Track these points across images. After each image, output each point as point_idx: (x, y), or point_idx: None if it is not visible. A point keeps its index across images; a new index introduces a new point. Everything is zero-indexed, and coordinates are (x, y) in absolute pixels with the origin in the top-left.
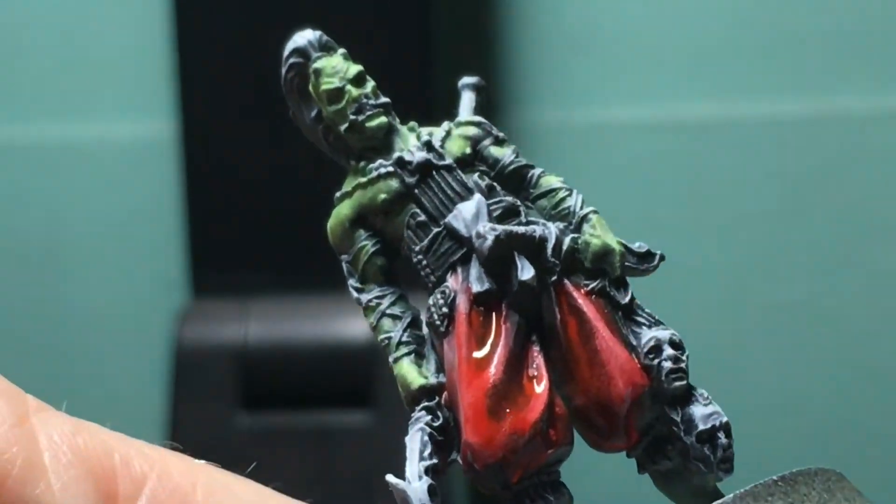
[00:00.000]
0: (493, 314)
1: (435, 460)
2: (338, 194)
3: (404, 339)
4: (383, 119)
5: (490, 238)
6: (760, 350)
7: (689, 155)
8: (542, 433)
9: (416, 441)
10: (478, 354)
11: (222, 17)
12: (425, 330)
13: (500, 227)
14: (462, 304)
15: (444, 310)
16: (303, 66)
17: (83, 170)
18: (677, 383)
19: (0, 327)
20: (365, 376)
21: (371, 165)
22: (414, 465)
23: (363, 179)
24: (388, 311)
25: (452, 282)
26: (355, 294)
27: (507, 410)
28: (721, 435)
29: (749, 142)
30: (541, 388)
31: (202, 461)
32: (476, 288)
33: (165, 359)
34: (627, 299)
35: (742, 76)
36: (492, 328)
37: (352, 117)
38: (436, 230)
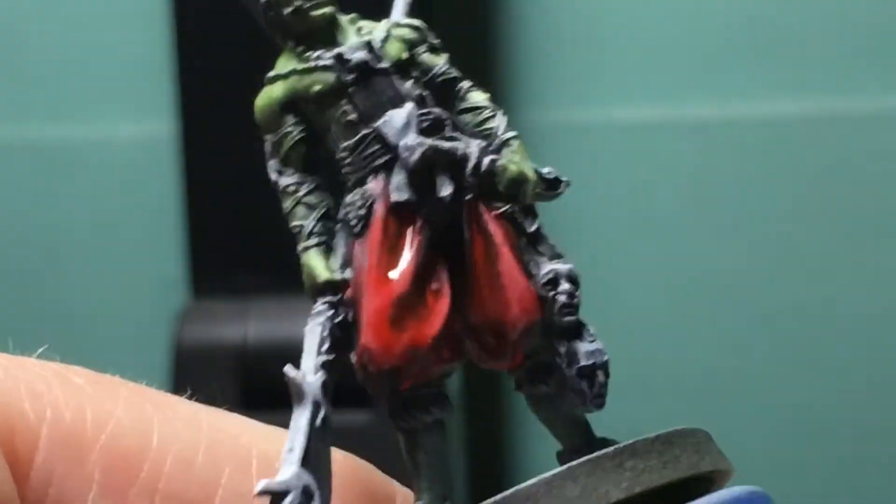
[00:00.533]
0: (408, 225)
1: (332, 356)
2: (270, 74)
3: (316, 229)
4: (328, 10)
5: (417, 152)
6: (760, 350)
7: (689, 155)
8: (438, 348)
9: (315, 334)
10: (387, 262)
11: (222, 18)
12: (338, 225)
13: (428, 142)
14: (380, 209)
15: (361, 211)
16: None
17: (83, 170)
18: (568, 318)
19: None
20: None
21: (310, 54)
22: (311, 359)
23: (299, 66)
24: (303, 199)
25: (374, 185)
26: (274, 176)
27: (409, 321)
28: (599, 373)
29: (749, 142)
30: (441, 303)
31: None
32: (395, 196)
33: (165, 359)
34: (534, 228)
35: (742, 76)
36: (405, 239)
37: (297, 2)
38: (364, 132)
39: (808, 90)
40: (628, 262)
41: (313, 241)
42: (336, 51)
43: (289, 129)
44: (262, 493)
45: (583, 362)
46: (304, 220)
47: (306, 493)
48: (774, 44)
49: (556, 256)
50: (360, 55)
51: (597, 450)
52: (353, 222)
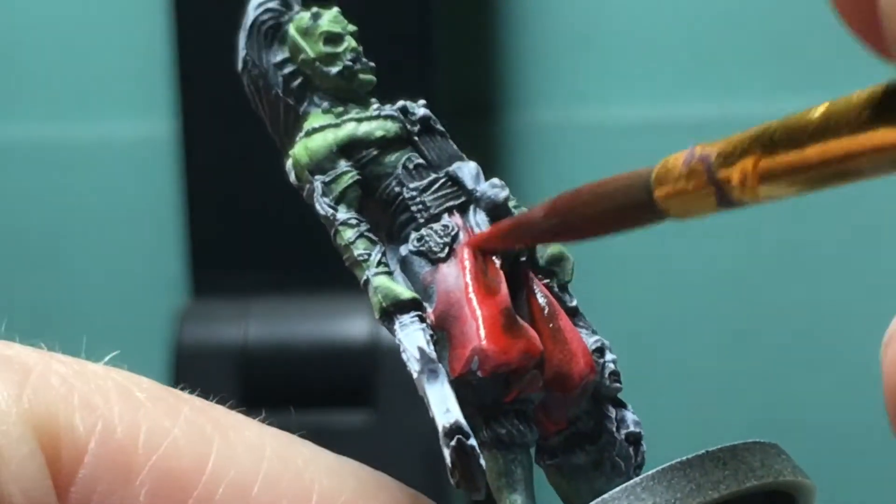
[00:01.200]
0: (489, 257)
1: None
2: (310, 127)
3: (382, 259)
4: (373, 77)
5: (504, 193)
6: (760, 350)
7: None
8: (543, 366)
9: (418, 336)
10: (483, 282)
11: (222, 17)
12: (403, 255)
13: (506, 190)
14: (465, 239)
15: (446, 239)
16: (281, 13)
17: (83, 170)
18: (616, 384)
19: None
20: (365, 376)
21: (372, 107)
22: (424, 344)
23: (360, 115)
24: (365, 233)
25: (454, 220)
26: (328, 210)
27: (517, 331)
28: (643, 443)
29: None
30: (531, 329)
31: (166, 390)
32: (483, 230)
33: (165, 359)
34: (574, 303)
35: (742, 76)
36: (492, 266)
37: (348, 63)
38: (434, 175)
39: (808, 90)
40: (628, 262)
41: (382, 268)
42: (400, 103)
43: (346, 169)
44: (442, 431)
45: (632, 428)
46: (370, 251)
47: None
48: (774, 44)
49: (593, 332)
50: (424, 110)
51: None
52: (437, 249)
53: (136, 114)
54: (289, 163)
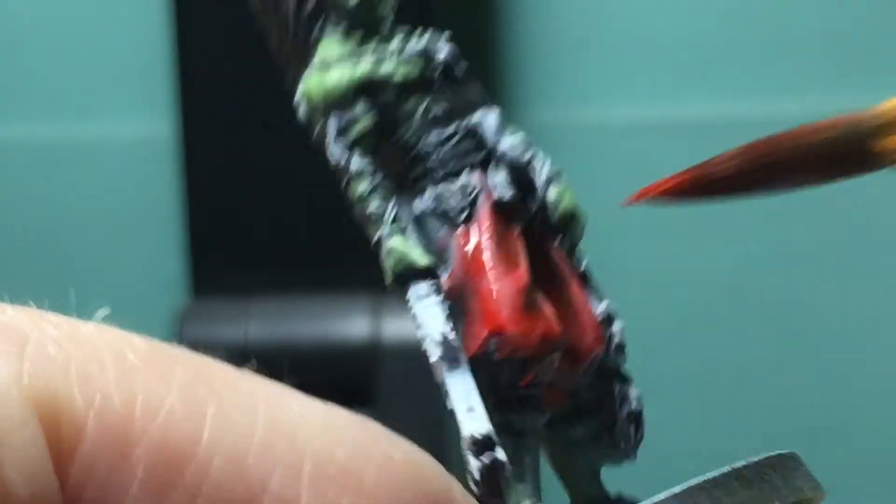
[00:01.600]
0: (509, 222)
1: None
2: (331, 56)
3: (396, 216)
4: (392, 3)
5: (530, 151)
6: (760, 350)
7: (689, 155)
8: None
9: (436, 312)
10: (504, 253)
11: (222, 17)
12: (417, 213)
13: (531, 149)
14: (486, 202)
15: (464, 202)
16: None
17: (83, 170)
18: (621, 357)
19: None
20: (365, 376)
21: (392, 43)
22: (442, 326)
23: (380, 52)
24: (380, 185)
25: (474, 179)
26: (343, 156)
27: (536, 312)
28: (643, 421)
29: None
30: (548, 306)
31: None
32: (501, 193)
33: None
34: (583, 267)
35: (742, 76)
36: (512, 235)
37: None
38: (454, 127)
39: (808, 90)
40: (628, 262)
41: (397, 227)
42: (422, 43)
43: (362, 113)
44: (470, 440)
45: (634, 406)
46: (385, 207)
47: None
48: (774, 44)
49: (601, 297)
50: (446, 53)
51: None
52: (455, 212)
53: (136, 114)
54: (299, 94)
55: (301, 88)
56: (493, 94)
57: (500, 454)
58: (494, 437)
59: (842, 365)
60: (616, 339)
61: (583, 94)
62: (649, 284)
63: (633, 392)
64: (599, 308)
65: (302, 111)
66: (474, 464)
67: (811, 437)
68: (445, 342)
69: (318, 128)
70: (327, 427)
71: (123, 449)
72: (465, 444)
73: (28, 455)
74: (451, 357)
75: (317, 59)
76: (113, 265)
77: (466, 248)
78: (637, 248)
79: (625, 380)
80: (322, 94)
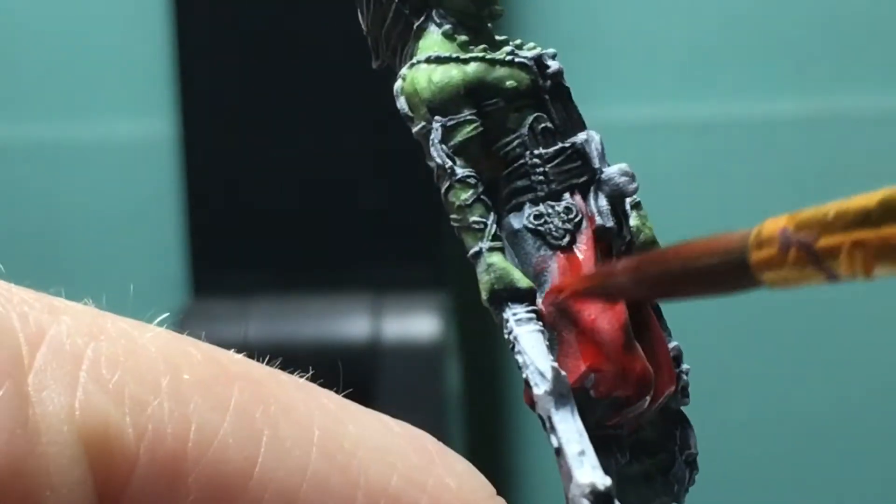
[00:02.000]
0: (607, 252)
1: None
2: (433, 55)
3: (497, 232)
4: (503, 9)
5: (636, 183)
6: (759, 350)
7: (689, 155)
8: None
9: (538, 340)
10: None
11: (222, 17)
12: (518, 230)
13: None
14: (587, 229)
15: (568, 225)
16: None
17: (83, 170)
18: (685, 399)
19: None
20: (365, 376)
21: (504, 48)
22: (546, 362)
23: (490, 55)
24: (482, 196)
25: (577, 202)
26: (446, 161)
27: (636, 352)
28: (697, 464)
29: (749, 142)
30: (641, 353)
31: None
32: (603, 221)
33: None
34: (656, 301)
35: (742, 76)
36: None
37: None
38: (562, 144)
39: (808, 90)
40: None
41: (497, 243)
42: (536, 52)
43: (469, 118)
44: (590, 489)
45: (693, 450)
46: (486, 219)
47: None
48: (774, 44)
49: (670, 335)
50: (557, 64)
51: None
52: (558, 234)
53: (136, 114)
54: (401, 86)
55: (404, 80)
56: None
57: None
58: (613, 490)
59: (842, 365)
60: (683, 380)
61: (583, 94)
62: None
63: (693, 436)
64: (670, 346)
65: (402, 103)
66: None
67: (811, 437)
68: (557, 378)
69: (419, 125)
70: (383, 451)
71: (174, 482)
72: (578, 491)
73: (75, 495)
74: (560, 392)
75: (421, 52)
76: (113, 265)
77: (567, 275)
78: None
79: (687, 422)
80: (430, 91)
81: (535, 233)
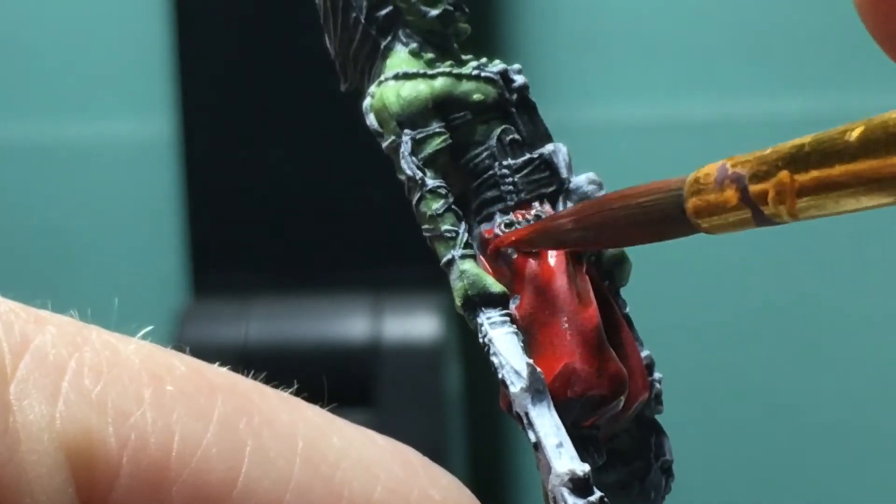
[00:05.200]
0: (577, 259)
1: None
2: (400, 71)
3: (468, 240)
4: (469, 27)
5: (603, 191)
6: (759, 350)
7: (689, 155)
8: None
9: (513, 342)
10: (576, 290)
11: (222, 17)
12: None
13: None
14: None
15: None
16: None
17: (83, 170)
18: (659, 406)
19: None
20: (365, 376)
21: (470, 64)
22: (522, 361)
23: (457, 70)
24: (453, 206)
25: (546, 211)
26: (417, 173)
27: (609, 353)
28: (673, 472)
29: (749, 142)
30: (614, 354)
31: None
32: None
33: None
34: (627, 310)
35: (742, 76)
36: (581, 271)
37: (449, 7)
38: (530, 155)
39: (808, 90)
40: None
41: (469, 250)
42: (501, 66)
43: (438, 131)
44: (568, 477)
45: (668, 457)
46: (458, 228)
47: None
48: (775, 44)
49: (641, 344)
50: (523, 79)
51: None
52: None
53: (136, 114)
54: (370, 103)
55: (373, 97)
56: None
57: (599, 494)
58: (591, 478)
59: (842, 365)
60: (656, 388)
61: (583, 94)
62: (649, 284)
63: (668, 443)
64: (643, 354)
65: (371, 119)
66: (573, 501)
67: (811, 437)
68: (533, 374)
69: (389, 139)
70: (366, 464)
71: (157, 492)
72: (558, 481)
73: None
74: (536, 388)
75: (388, 70)
76: (113, 265)
77: (538, 279)
78: (637, 249)
79: (661, 430)
80: (398, 105)
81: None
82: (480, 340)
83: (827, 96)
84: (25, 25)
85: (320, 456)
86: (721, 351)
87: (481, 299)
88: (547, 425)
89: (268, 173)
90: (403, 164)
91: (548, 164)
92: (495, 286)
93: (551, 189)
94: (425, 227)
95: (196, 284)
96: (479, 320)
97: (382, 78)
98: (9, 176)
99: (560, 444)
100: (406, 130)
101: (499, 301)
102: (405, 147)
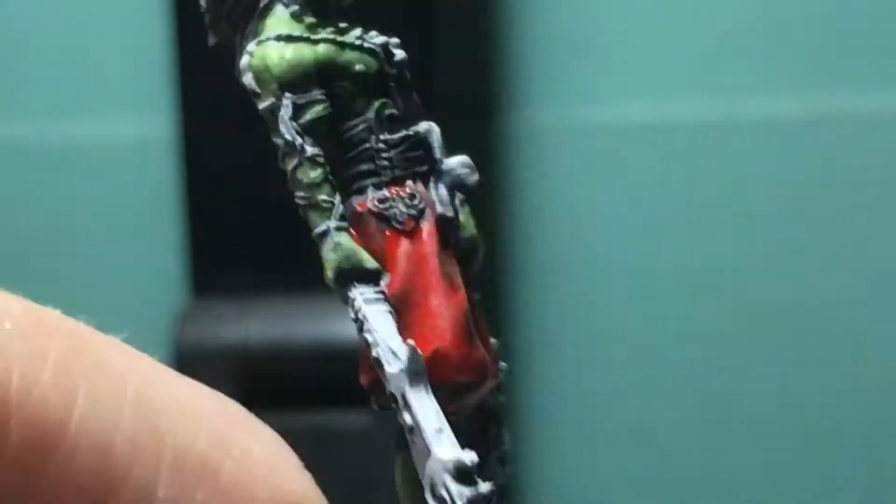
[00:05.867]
0: (445, 241)
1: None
2: (283, 33)
3: (343, 212)
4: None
5: (477, 174)
6: (759, 351)
7: (688, 155)
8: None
9: (388, 320)
10: (446, 273)
11: None
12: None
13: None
14: (431, 217)
15: (412, 211)
16: None
17: (83, 170)
18: (501, 396)
19: None
20: None
21: (352, 32)
22: (397, 341)
23: (339, 38)
24: (329, 176)
25: (419, 190)
26: (297, 139)
27: (475, 339)
28: (509, 459)
29: (749, 142)
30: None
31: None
32: (443, 210)
33: (165, 359)
34: (478, 296)
35: (742, 76)
36: (450, 256)
37: None
38: (406, 132)
39: (808, 90)
40: (628, 262)
41: (344, 223)
42: (382, 39)
43: (319, 98)
44: (454, 465)
45: (505, 446)
46: (333, 199)
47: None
48: (774, 44)
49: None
50: (403, 53)
51: None
52: (402, 219)
53: (136, 114)
54: (249, 62)
55: (252, 56)
56: (494, 94)
57: (489, 485)
58: (474, 465)
59: (842, 365)
60: (500, 378)
61: (582, 95)
62: (649, 284)
63: (507, 433)
64: (492, 342)
65: (249, 79)
66: (458, 490)
67: (811, 437)
68: (413, 355)
69: (267, 101)
70: (192, 415)
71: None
72: (440, 466)
73: None
74: (414, 370)
75: (268, 30)
76: (113, 265)
77: (411, 259)
78: (637, 248)
79: (501, 419)
80: (281, 67)
81: (380, 216)
82: (351, 316)
83: (827, 96)
84: (25, 25)
85: (148, 404)
86: (721, 351)
87: (356, 274)
88: (426, 409)
89: (268, 173)
90: (282, 128)
91: (422, 142)
92: (370, 262)
93: (424, 168)
94: (300, 194)
95: (196, 284)
96: (352, 294)
97: (263, 37)
98: (9, 175)
99: (440, 430)
100: (287, 94)
101: (373, 277)
102: (286, 111)
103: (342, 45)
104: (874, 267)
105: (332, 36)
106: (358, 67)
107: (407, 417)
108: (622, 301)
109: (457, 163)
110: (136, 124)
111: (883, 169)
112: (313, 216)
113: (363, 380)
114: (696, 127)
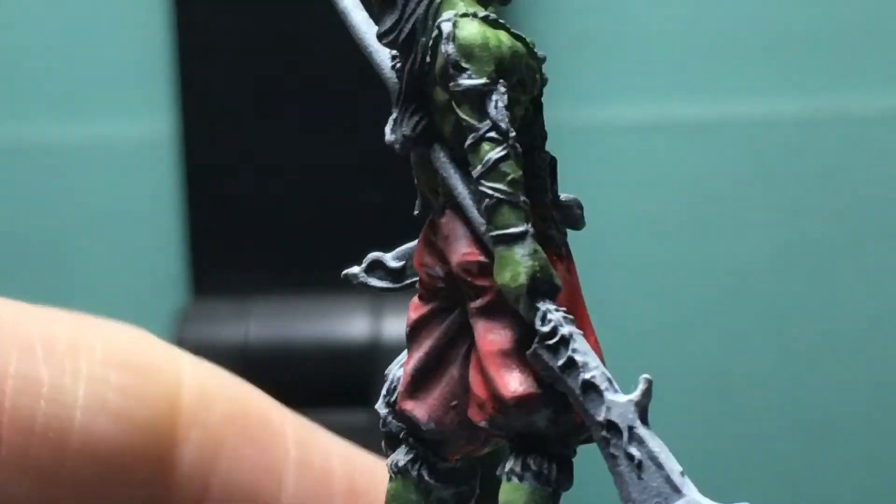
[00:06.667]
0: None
1: None
2: (490, 16)
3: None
4: None
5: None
6: (759, 351)
7: (689, 155)
8: None
9: (589, 346)
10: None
11: (222, 17)
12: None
13: None
14: (568, 252)
15: (565, 237)
16: None
17: (83, 170)
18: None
19: None
20: (365, 376)
21: (529, 41)
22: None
23: (527, 40)
24: (522, 179)
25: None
26: (511, 130)
27: None
28: None
29: (749, 142)
30: None
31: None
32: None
33: None
34: None
35: (742, 76)
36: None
37: None
38: (551, 155)
39: (808, 90)
40: (628, 262)
41: (534, 230)
42: (541, 53)
43: (524, 99)
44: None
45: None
46: (526, 201)
47: None
48: (774, 44)
49: None
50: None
51: None
52: (560, 244)
53: (136, 114)
54: (455, 32)
55: (461, 29)
56: None
57: None
58: None
59: (842, 365)
60: None
61: (582, 95)
62: (649, 284)
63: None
64: None
65: (453, 49)
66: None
67: (811, 436)
68: (649, 388)
69: (479, 79)
70: (45, 319)
71: None
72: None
73: None
74: (645, 405)
75: (458, 6)
76: (113, 265)
77: (567, 286)
78: (637, 248)
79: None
80: (502, 50)
81: (542, 235)
82: (545, 329)
83: (827, 96)
84: (26, 26)
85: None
86: (721, 350)
87: (548, 287)
88: (664, 448)
89: (268, 173)
90: (494, 113)
91: (553, 169)
92: (558, 278)
93: (549, 197)
94: (499, 187)
95: (196, 284)
96: (543, 308)
97: (461, 11)
98: (9, 176)
99: (683, 473)
100: (502, 80)
101: (556, 296)
102: (500, 97)
103: (531, 51)
104: (874, 267)
105: (524, 36)
106: (537, 77)
107: (634, 451)
108: (622, 301)
109: (574, 201)
110: (136, 124)
111: (883, 169)
112: (509, 213)
113: (475, 415)
114: (696, 127)
